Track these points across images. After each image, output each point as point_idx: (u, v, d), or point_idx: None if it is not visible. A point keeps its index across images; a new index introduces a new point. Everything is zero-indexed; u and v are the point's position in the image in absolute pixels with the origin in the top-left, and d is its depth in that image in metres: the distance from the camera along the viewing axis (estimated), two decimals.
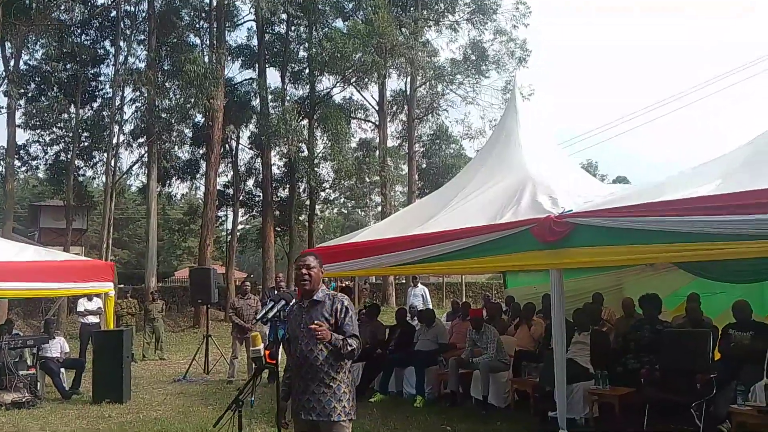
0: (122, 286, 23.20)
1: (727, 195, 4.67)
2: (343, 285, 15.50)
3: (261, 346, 3.36)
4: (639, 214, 5.15)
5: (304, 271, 3.55)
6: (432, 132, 31.40)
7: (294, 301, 3.61)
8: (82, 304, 12.08)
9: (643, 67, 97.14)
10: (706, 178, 5.24)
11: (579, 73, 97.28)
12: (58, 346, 9.42)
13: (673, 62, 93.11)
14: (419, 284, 15.37)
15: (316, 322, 3.42)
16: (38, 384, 8.75)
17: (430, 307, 13.47)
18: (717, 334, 6.53)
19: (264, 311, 3.57)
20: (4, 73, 19.45)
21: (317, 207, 29.87)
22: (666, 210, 4.99)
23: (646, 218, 5.09)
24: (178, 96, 22.01)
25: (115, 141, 22.23)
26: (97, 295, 11.49)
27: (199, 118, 23.85)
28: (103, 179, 22.90)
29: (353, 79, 26.65)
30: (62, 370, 9.27)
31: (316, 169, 25.77)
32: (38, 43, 21.07)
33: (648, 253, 5.34)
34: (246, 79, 26.80)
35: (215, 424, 3.46)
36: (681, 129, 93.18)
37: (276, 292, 10.42)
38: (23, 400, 8.12)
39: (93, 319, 11.87)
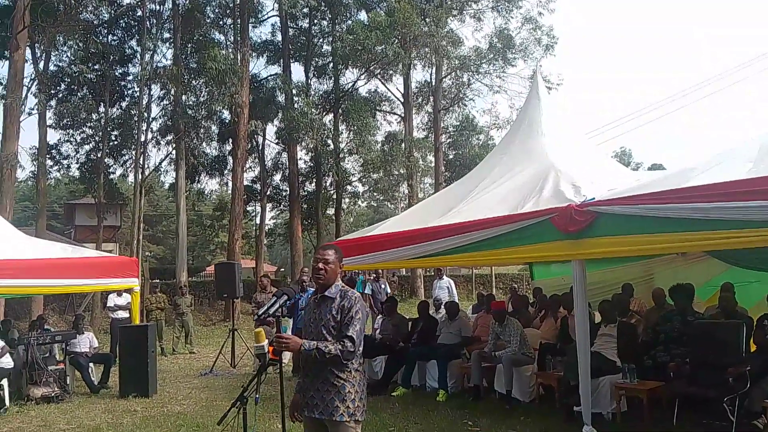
0: (155, 281, 23.61)
1: (760, 179, 4.42)
2: (372, 278, 15.15)
3: (265, 343, 3.28)
4: (665, 201, 4.92)
5: (320, 265, 3.46)
6: (458, 122, 31.08)
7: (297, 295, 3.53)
8: (112, 300, 12.34)
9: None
10: (736, 162, 4.98)
11: (614, 53, 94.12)
12: (87, 341, 9.59)
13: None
14: (444, 276, 15.18)
15: (282, 334, 3.38)
16: (67, 378, 8.93)
17: (456, 299, 13.31)
18: (752, 325, 6.24)
19: (266, 307, 3.50)
20: (33, 75, 19.86)
21: (345, 200, 29.88)
22: (694, 196, 4.75)
23: (672, 205, 4.86)
24: (203, 93, 22.22)
25: (143, 139, 22.56)
26: (127, 291, 11.66)
27: (226, 114, 24.05)
28: (133, 177, 23.30)
29: (377, 72, 26.53)
30: (91, 364, 9.45)
31: (341, 162, 25.74)
32: (66, 44, 21.44)
33: (675, 242, 5.08)
34: (271, 75, 27.00)
35: (219, 422, 3.40)
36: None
37: (300, 286, 10.42)
38: (52, 394, 8.30)
39: (123, 314, 12.05)
